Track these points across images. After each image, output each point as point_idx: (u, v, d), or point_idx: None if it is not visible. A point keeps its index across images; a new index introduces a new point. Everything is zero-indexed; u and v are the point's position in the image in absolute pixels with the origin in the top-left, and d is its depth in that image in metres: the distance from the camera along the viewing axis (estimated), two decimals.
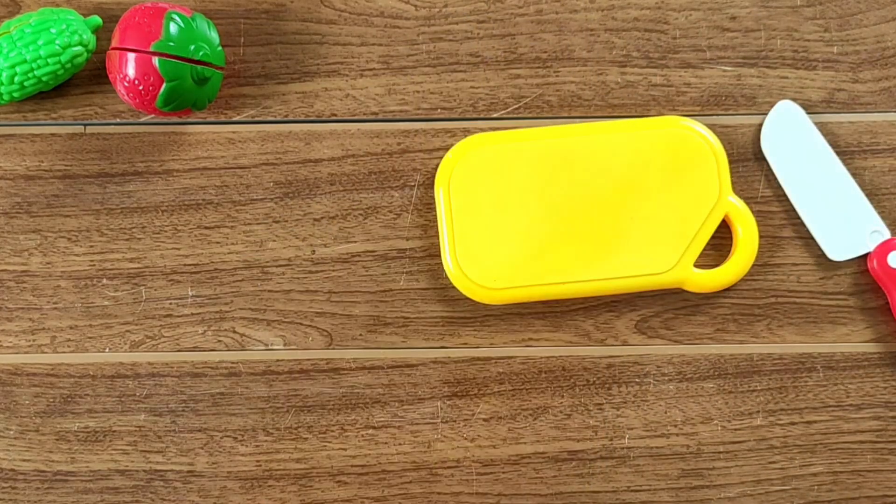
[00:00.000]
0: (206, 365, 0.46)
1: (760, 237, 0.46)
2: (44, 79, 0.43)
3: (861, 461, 0.46)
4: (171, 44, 0.41)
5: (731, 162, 0.45)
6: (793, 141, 0.46)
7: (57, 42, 0.43)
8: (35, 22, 0.43)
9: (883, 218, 0.46)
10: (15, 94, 0.44)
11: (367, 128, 0.47)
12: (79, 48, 0.43)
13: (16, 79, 0.43)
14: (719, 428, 0.46)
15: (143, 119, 0.47)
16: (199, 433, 0.46)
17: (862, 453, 0.46)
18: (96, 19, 0.45)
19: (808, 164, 0.46)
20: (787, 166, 0.46)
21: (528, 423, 0.46)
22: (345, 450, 0.46)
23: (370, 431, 0.46)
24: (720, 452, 0.46)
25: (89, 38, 0.44)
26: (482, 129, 0.46)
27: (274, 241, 0.46)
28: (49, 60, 0.43)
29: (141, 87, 0.42)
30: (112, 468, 0.46)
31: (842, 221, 0.46)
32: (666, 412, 0.46)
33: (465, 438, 0.46)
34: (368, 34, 0.47)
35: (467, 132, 0.46)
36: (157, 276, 0.46)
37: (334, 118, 0.47)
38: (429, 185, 0.46)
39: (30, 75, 0.43)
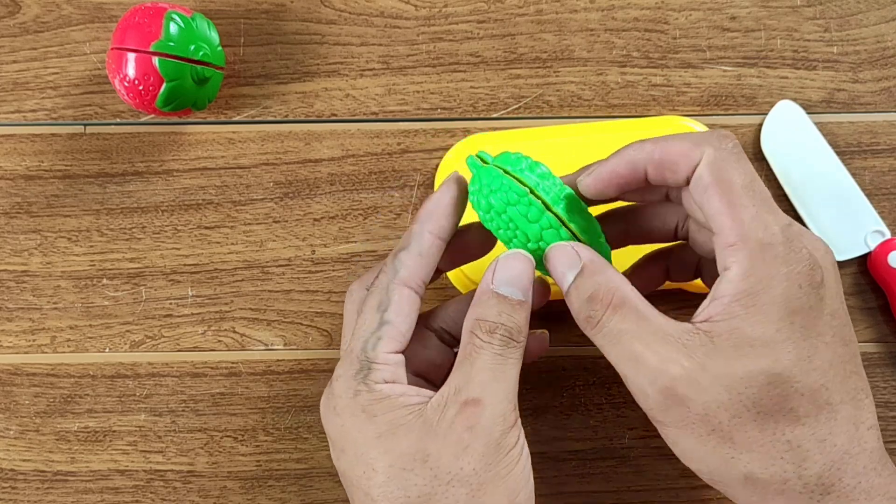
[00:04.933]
0: (206, 365, 0.46)
1: None
2: None
3: None
4: (171, 44, 0.41)
5: None
6: (793, 141, 0.46)
7: None
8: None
9: (883, 218, 0.46)
10: None
11: (367, 128, 0.47)
12: None
13: None
14: None
15: (143, 119, 0.47)
16: (199, 433, 0.46)
17: None
18: None
19: (808, 164, 0.46)
20: (787, 166, 0.46)
21: (528, 423, 0.46)
22: None
23: None
24: None
25: None
26: (482, 129, 0.46)
27: (274, 241, 0.46)
28: None
29: (141, 87, 0.42)
30: (112, 468, 0.46)
31: (842, 221, 0.46)
32: None
33: None
34: (368, 34, 0.47)
35: (467, 132, 0.47)
36: (157, 276, 0.46)
37: (334, 118, 0.47)
38: (429, 185, 0.46)
39: None
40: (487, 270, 0.35)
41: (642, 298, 0.34)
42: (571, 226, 0.36)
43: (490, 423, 0.33)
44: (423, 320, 0.40)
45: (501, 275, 0.35)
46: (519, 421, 0.34)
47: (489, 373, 0.33)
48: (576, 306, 0.34)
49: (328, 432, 0.35)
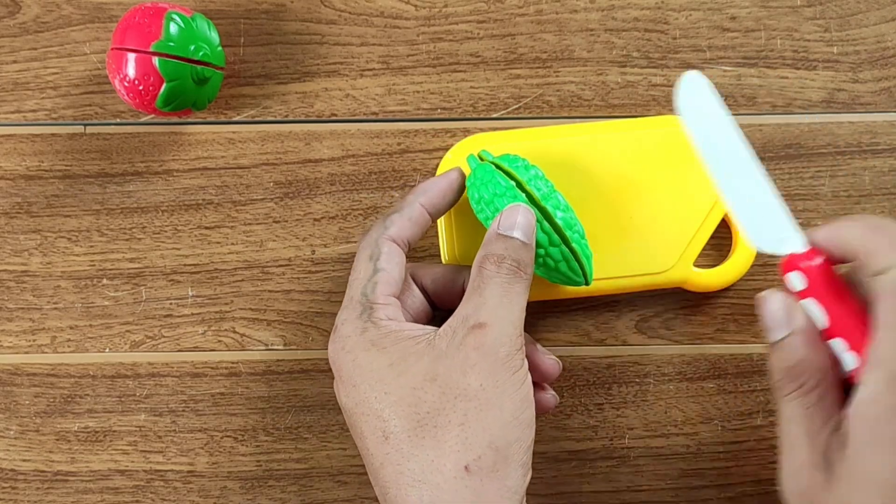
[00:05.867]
0: (206, 365, 0.46)
1: None
2: None
3: None
4: (171, 44, 0.41)
5: None
6: (703, 116, 0.40)
7: None
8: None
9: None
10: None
11: (367, 128, 0.47)
12: None
13: None
14: (719, 428, 0.46)
15: (143, 119, 0.47)
16: (199, 433, 0.46)
17: None
18: None
19: (719, 147, 0.39)
20: (704, 141, 0.40)
21: None
22: (345, 450, 0.46)
23: None
24: (720, 452, 0.46)
25: None
26: (482, 129, 0.46)
27: (274, 241, 0.46)
28: None
29: (141, 87, 0.42)
30: (112, 468, 0.46)
31: (762, 215, 0.38)
32: (666, 412, 0.46)
33: None
34: (368, 34, 0.47)
35: (467, 132, 0.47)
36: (157, 276, 0.46)
37: (334, 118, 0.47)
38: None
39: None
40: (493, 221, 0.38)
41: None
42: (558, 222, 0.39)
43: (496, 342, 0.35)
44: (411, 271, 0.42)
45: (506, 221, 0.38)
46: (524, 349, 0.36)
47: (497, 300, 0.36)
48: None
49: (340, 370, 0.37)
